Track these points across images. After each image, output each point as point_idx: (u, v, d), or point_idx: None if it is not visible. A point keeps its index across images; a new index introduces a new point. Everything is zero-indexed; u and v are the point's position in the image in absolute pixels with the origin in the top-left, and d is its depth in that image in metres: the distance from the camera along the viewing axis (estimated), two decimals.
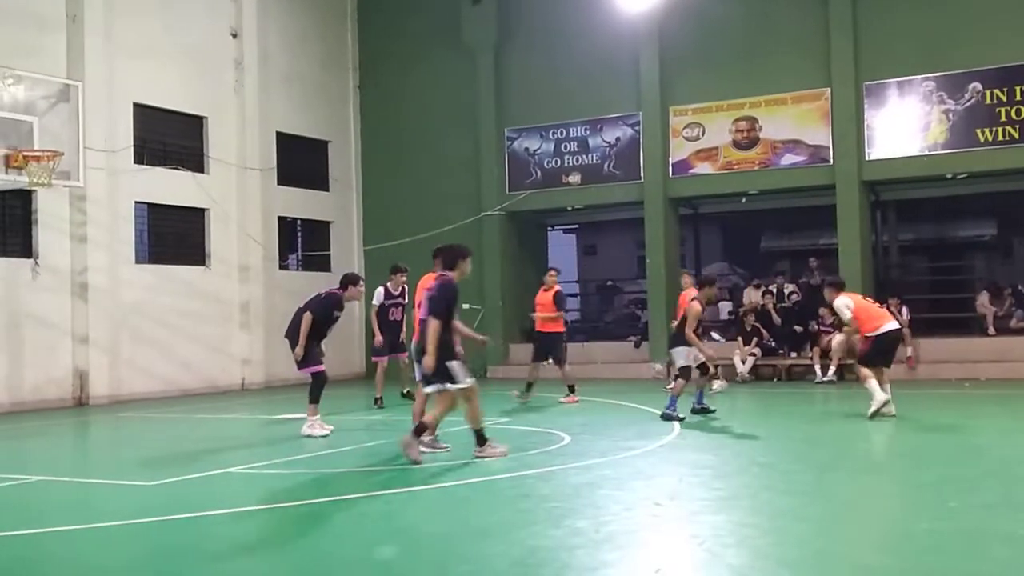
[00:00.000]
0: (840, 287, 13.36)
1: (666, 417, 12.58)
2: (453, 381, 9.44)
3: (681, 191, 21.49)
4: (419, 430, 9.64)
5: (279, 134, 22.57)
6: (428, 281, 10.48)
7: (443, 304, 9.53)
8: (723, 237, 31.55)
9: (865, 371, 12.47)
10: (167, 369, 19.42)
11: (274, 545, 6.84)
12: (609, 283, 28.06)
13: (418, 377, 9.75)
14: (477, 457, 9.70)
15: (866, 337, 12.75)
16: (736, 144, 20.70)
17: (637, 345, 21.90)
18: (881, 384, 12.40)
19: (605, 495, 8.05)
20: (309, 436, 11.82)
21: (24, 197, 17.36)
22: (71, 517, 7.83)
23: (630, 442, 10.87)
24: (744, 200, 22.29)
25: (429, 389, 9.64)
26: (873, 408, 12.20)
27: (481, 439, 9.80)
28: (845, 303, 12.91)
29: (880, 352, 12.64)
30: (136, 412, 16.35)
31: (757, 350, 19.32)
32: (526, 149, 22.73)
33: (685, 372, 12.85)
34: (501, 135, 22.86)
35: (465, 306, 21.68)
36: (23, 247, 17.56)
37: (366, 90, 24.61)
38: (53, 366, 17.63)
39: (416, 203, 23.40)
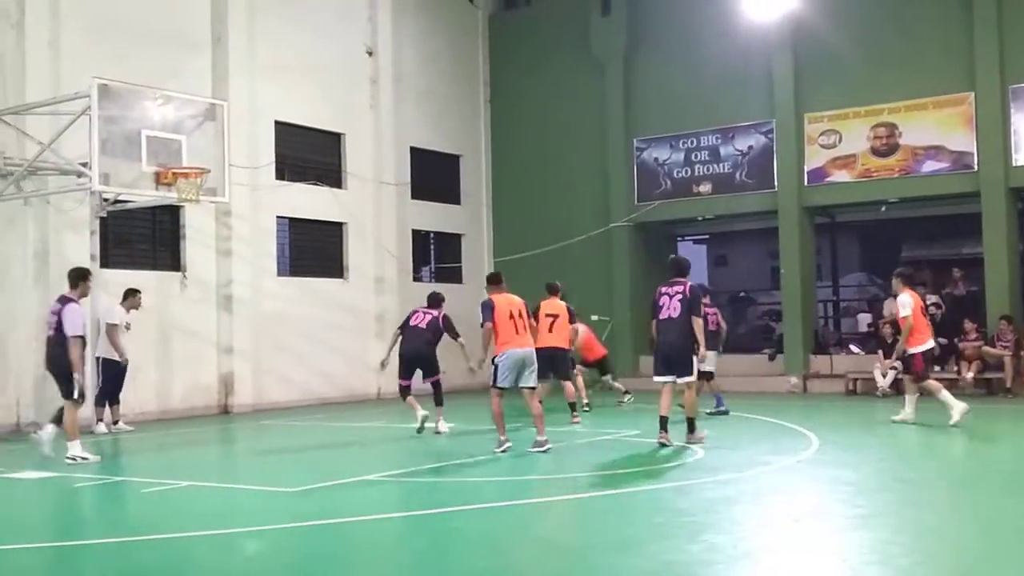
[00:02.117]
0: (910, 280, 13.25)
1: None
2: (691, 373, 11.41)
3: (817, 200, 21.00)
4: (692, 426, 11.54)
5: (412, 149, 23.06)
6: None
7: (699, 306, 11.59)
8: (861, 247, 30.66)
9: (933, 383, 13.09)
10: (306, 378, 20.01)
11: (411, 553, 6.97)
12: (741, 294, 27.60)
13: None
14: (689, 443, 11.36)
15: (913, 352, 13.19)
16: (875, 151, 20.11)
17: (771, 358, 21.47)
18: (911, 396, 13.28)
19: (742, 510, 7.94)
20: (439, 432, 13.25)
21: (173, 213, 18.20)
22: (218, 522, 8.14)
23: (766, 457, 10.68)
24: (884, 209, 21.63)
25: (666, 380, 11.40)
26: (956, 418, 12.61)
27: (692, 427, 11.61)
28: (909, 301, 12.92)
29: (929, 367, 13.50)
30: (277, 420, 16.89)
31: (899, 363, 18.68)
32: (655, 159, 22.60)
33: (708, 375, 14.71)
34: (630, 145, 22.79)
35: (594, 317, 21.69)
36: (172, 261, 18.40)
37: (496, 104, 24.90)
38: (200, 375, 18.38)
39: (545, 215, 23.53)
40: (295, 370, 19.85)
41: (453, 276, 24.12)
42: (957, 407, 12.68)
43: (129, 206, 16.40)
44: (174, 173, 14.55)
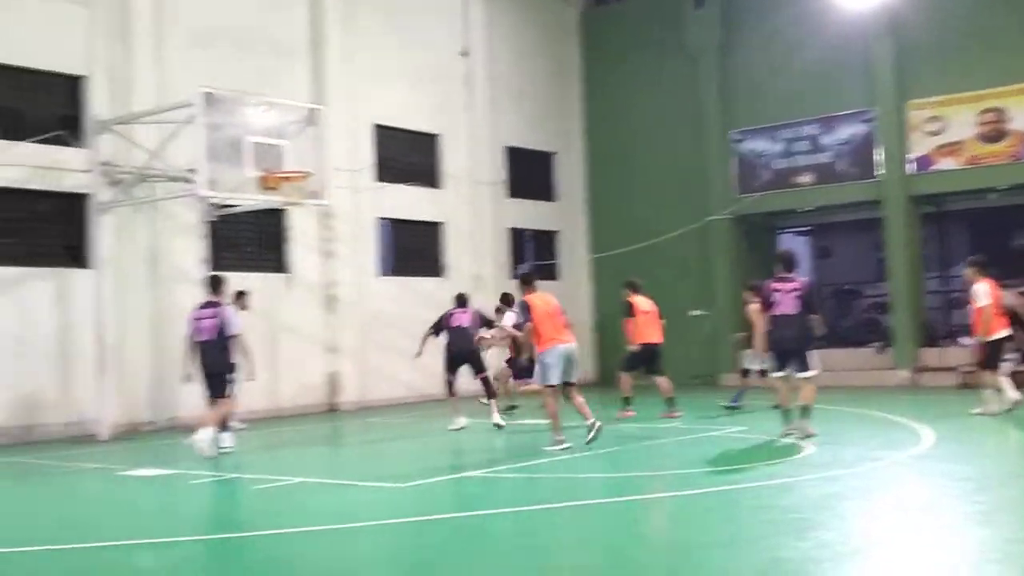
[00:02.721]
0: (984, 270, 12.96)
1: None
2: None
3: (922, 189, 20.41)
4: (805, 411, 11.29)
5: (508, 148, 23.18)
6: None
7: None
8: (970, 236, 29.59)
9: (991, 376, 13.08)
10: (410, 376, 20.20)
11: (520, 549, 7.01)
12: (846, 287, 26.96)
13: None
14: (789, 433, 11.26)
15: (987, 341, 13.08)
16: (983, 137, 19.47)
17: (879, 351, 20.95)
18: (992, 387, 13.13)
19: (852, 507, 7.79)
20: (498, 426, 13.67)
21: (277, 216, 18.66)
22: (330, 517, 8.32)
23: (876, 452, 10.44)
24: (994, 196, 20.91)
25: (783, 375, 11.36)
26: (1006, 407, 12.72)
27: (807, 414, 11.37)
28: (986, 289, 12.62)
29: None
30: (383, 417, 17.17)
31: (1016, 355, 18.03)
32: (753, 151, 22.26)
33: (747, 372, 14.95)
34: (727, 138, 22.50)
35: (694, 312, 21.50)
36: (278, 262, 18.87)
37: (591, 101, 24.84)
38: (307, 374, 18.80)
39: (641, 210, 23.37)
40: (399, 368, 20.06)
41: (549, 273, 24.15)
42: (1005, 398, 12.85)
43: (235, 210, 16.86)
44: (278, 177, 14.88)
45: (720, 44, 22.56)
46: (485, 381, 14.56)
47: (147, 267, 16.75)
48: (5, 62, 15.50)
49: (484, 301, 21.79)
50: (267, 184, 14.96)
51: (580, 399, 11.57)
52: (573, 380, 11.59)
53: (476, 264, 22.06)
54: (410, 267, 21.18)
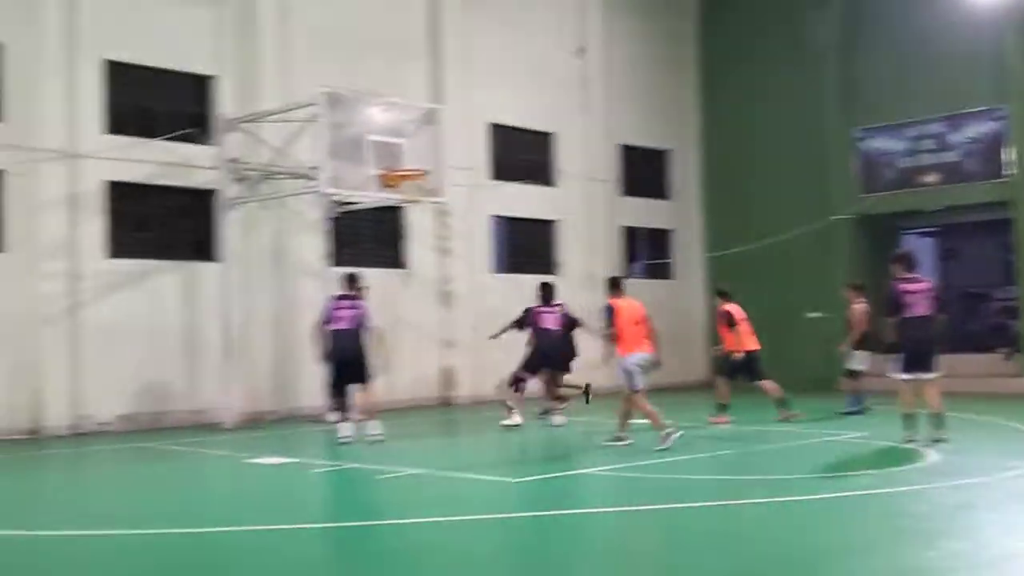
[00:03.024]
0: None
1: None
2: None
3: None
4: (939, 419, 11.10)
5: (622, 146, 23.11)
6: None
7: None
8: None
9: None
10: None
11: (639, 549, 6.99)
12: (973, 290, 26.03)
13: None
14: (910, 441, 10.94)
15: None
16: None
17: (1008, 357, 20.18)
18: None
19: (983, 517, 7.54)
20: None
21: (395, 213, 19.00)
22: (442, 509, 8.44)
23: (1007, 461, 10.08)
24: None
25: (913, 378, 11.05)
26: None
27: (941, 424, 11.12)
28: None
29: None
30: (496, 412, 17.28)
31: None
32: (877, 149, 21.68)
33: (855, 374, 14.87)
34: (849, 136, 21.97)
35: (813, 314, 21.06)
36: (395, 259, 19.22)
37: (708, 98, 24.55)
38: (423, 367, 19.11)
39: (759, 209, 23.01)
40: (512, 364, 20.22)
41: (663, 272, 23.99)
42: None
43: (356, 207, 17.22)
44: (397, 175, 15.14)
45: (842, 40, 22.06)
46: (551, 382, 14.78)
47: (271, 261, 17.26)
48: (140, 63, 16.18)
49: (599, 299, 21.86)
50: (387, 182, 15.23)
51: (627, 407, 11.76)
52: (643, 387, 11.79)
53: (589, 262, 22.04)
54: (523, 264, 21.28)
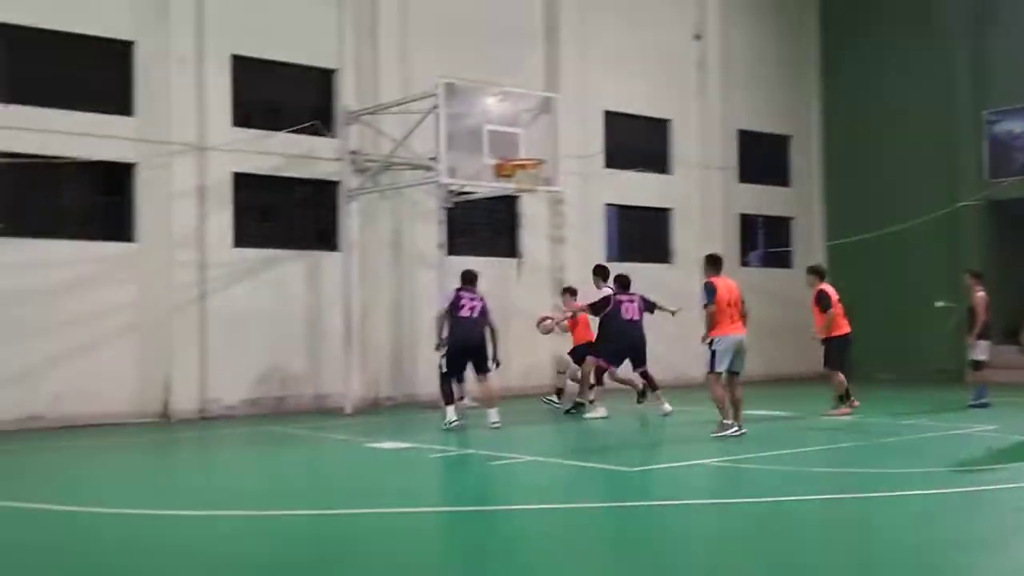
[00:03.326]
0: None
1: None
2: None
3: None
4: None
5: (740, 132, 22.74)
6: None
7: None
8: None
9: None
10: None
11: (759, 542, 6.89)
12: None
13: None
14: None
15: None
16: None
17: None
18: None
19: None
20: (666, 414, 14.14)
21: (510, 202, 19.12)
22: (567, 496, 8.49)
23: None
24: None
25: None
26: None
27: None
28: None
29: None
30: (609, 402, 17.24)
31: None
32: (1009, 132, 20.81)
33: (979, 364, 14.51)
34: (979, 119, 21.13)
35: (938, 303, 20.37)
36: (509, 247, 19.34)
37: (829, 82, 23.95)
38: (536, 356, 19.18)
39: (882, 195, 22.35)
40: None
41: (782, 261, 23.53)
42: None
43: (472, 197, 17.40)
44: (513, 164, 15.22)
45: (974, 20, 21.22)
46: (646, 375, 14.77)
47: (390, 251, 17.58)
48: (265, 57, 16.64)
49: None
50: (502, 171, 15.32)
51: (739, 395, 11.67)
52: (739, 371, 11.66)
53: (704, 251, 21.61)
54: (637, 253, 21.17)
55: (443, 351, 13.26)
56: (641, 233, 21.54)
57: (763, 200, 23.29)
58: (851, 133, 23.29)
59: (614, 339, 14.61)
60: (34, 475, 10.38)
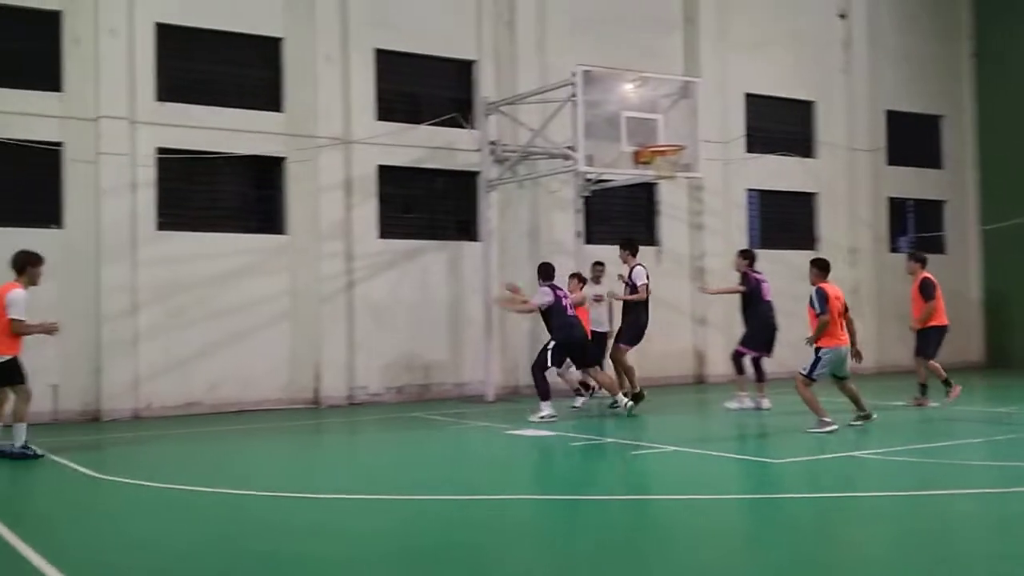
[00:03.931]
0: None
1: None
2: None
3: None
4: None
5: (888, 112, 21.97)
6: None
7: None
8: None
9: None
10: (780, 351, 19.84)
11: (914, 536, 6.70)
12: None
13: None
14: None
15: None
16: None
17: None
18: None
19: None
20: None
21: (648, 189, 19.00)
22: (709, 487, 8.42)
23: None
24: None
25: None
26: None
27: None
28: None
29: None
30: (753, 391, 16.97)
31: None
32: None
33: None
34: None
35: None
36: (648, 235, 19.21)
37: (983, 60, 22.86)
38: (675, 345, 19.05)
39: None
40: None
41: (934, 246, 22.63)
42: None
43: (609, 185, 17.37)
44: (651, 151, 15.11)
45: None
46: (758, 363, 14.44)
47: (528, 240, 17.72)
48: (407, 50, 16.98)
49: (862, 275, 21.00)
50: (641, 158, 15.24)
51: (855, 388, 11.53)
52: (847, 376, 11.43)
53: (852, 237, 21.18)
54: (780, 239, 20.72)
55: (551, 345, 13.20)
56: (784, 219, 21.08)
57: (913, 183, 22.46)
58: (1007, 111, 22.20)
59: (763, 324, 14.32)
60: (204, 461, 10.88)
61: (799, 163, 20.83)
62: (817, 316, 11.09)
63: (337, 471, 10.19)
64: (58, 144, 14.46)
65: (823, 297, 11.13)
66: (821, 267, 11.63)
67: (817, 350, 11.16)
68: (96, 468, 9.73)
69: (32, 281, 10.46)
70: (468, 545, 6.46)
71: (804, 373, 11.19)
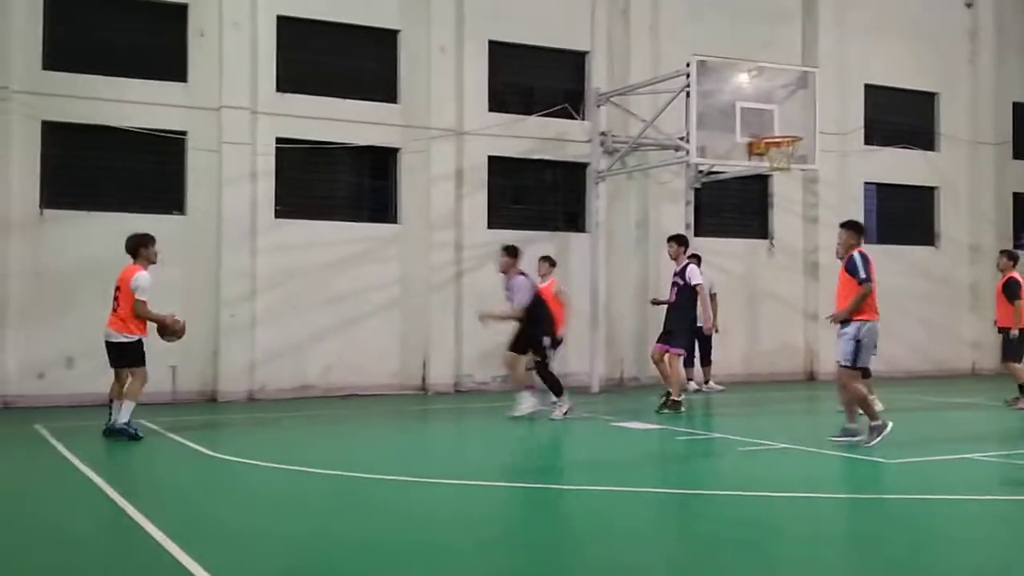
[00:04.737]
0: None
1: None
2: None
3: None
4: None
5: (1015, 105, 21.12)
6: None
7: None
8: None
9: None
10: (894, 350, 19.31)
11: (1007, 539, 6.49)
12: None
13: None
14: None
15: None
16: None
17: None
18: None
19: None
20: None
21: (761, 182, 18.67)
22: (798, 484, 8.26)
23: None
24: None
25: None
26: None
27: None
28: None
29: None
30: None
31: None
32: None
33: None
34: None
35: None
36: (760, 228, 18.91)
37: None
38: (786, 340, 18.72)
39: None
40: (882, 341, 19.29)
41: None
42: None
43: (721, 177, 17.14)
44: (766, 143, 14.87)
45: None
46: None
47: (636, 232, 17.63)
48: (519, 41, 17.04)
49: (983, 273, 20.27)
50: (755, 150, 15.02)
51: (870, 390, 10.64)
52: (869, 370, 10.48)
53: (974, 233, 20.46)
54: (899, 235, 20.15)
55: (547, 341, 12.40)
56: (903, 214, 20.49)
57: None
58: None
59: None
60: (319, 443, 11.16)
61: (920, 156, 20.22)
62: (860, 284, 9.65)
63: (448, 457, 10.33)
64: (183, 133, 14.98)
65: (866, 261, 9.80)
66: (857, 229, 10.26)
67: (854, 329, 9.71)
68: (212, 447, 10.08)
69: (150, 260, 10.75)
70: (587, 538, 6.48)
71: (847, 364, 9.78)
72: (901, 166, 20.02)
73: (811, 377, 18.81)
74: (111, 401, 10.67)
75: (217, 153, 15.00)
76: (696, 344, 15.97)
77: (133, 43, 14.96)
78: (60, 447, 10.06)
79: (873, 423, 9.87)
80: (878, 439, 9.74)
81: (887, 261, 19.51)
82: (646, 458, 9.96)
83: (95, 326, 10.97)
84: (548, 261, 14.01)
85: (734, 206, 19.04)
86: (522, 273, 12.71)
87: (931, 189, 20.45)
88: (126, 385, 10.57)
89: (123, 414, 10.45)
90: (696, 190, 17.44)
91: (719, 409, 13.85)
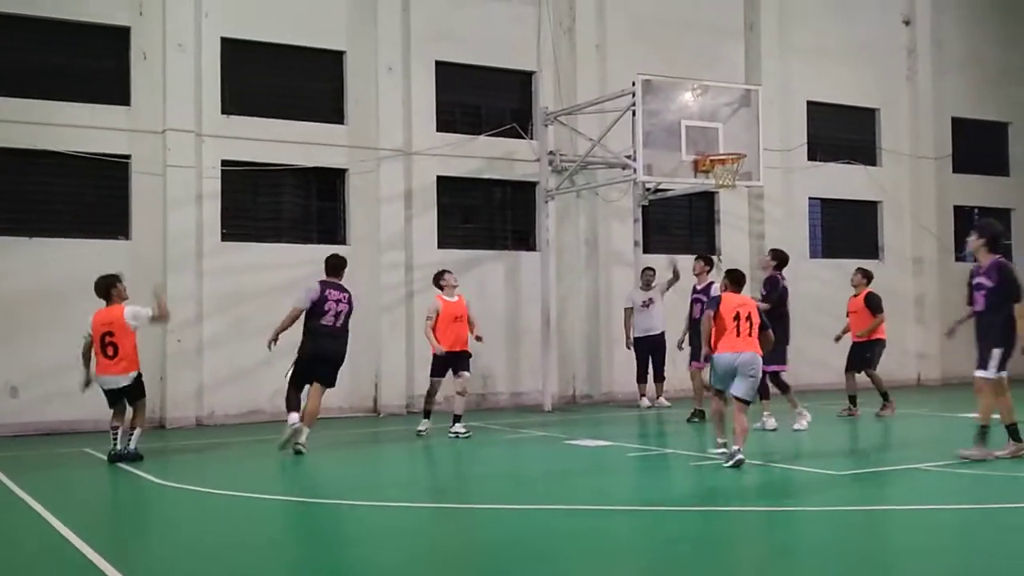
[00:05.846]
0: None
1: None
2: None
3: None
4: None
5: (953, 120, 21.59)
6: None
7: None
8: None
9: None
10: (839, 362, 19.58)
11: (952, 550, 6.59)
12: None
13: None
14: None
15: None
16: None
17: None
18: None
19: None
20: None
21: (708, 199, 18.87)
22: (752, 496, 8.34)
23: None
24: None
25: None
26: None
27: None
28: None
29: None
30: (814, 402, 16.76)
31: None
32: None
33: None
34: None
35: None
36: (707, 245, 19.06)
37: None
38: None
39: None
40: (830, 354, 19.49)
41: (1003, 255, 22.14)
42: None
43: (668, 194, 17.30)
44: (712, 160, 15.03)
45: None
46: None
47: (586, 249, 17.71)
48: (466, 62, 17.08)
49: (927, 285, 20.64)
50: (701, 167, 15.17)
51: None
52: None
53: (917, 246, 20.84)
54: (844, 248, 20.46)
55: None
56: (848, 228, 20.82)
57: (980, 191, 22.03)
58: None
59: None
60: (268, 468, 11.03)
61: (862, 171, 20.57)
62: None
63: (399, 479, 10.26)
64: (127, 157, 14.80)
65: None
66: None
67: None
68: (161, 475, 9.92)
69: (122, 297, 10.92)
70: (556, 552, 6.47)
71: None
72: (845, 181, 20.35)
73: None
74: (113, 428, 10.86)
75: (162, 177, 14.83)
76: (650, 360, 16.09)
77: (75, 66, 14.78)
78: (3, 477, 9.85)
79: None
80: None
81: (833, 275, 19.85)
82: (604, 475, 9.97)
83: (40, 354, 10.85)
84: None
85: (682, 223, 19.22)
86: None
87: (874, 203, 20.81)
88: (136, 415, 10.93)
89: (134, 442, 10.81)
90: (644, 208, 17.58)
91: (671, 427, 13.88)
